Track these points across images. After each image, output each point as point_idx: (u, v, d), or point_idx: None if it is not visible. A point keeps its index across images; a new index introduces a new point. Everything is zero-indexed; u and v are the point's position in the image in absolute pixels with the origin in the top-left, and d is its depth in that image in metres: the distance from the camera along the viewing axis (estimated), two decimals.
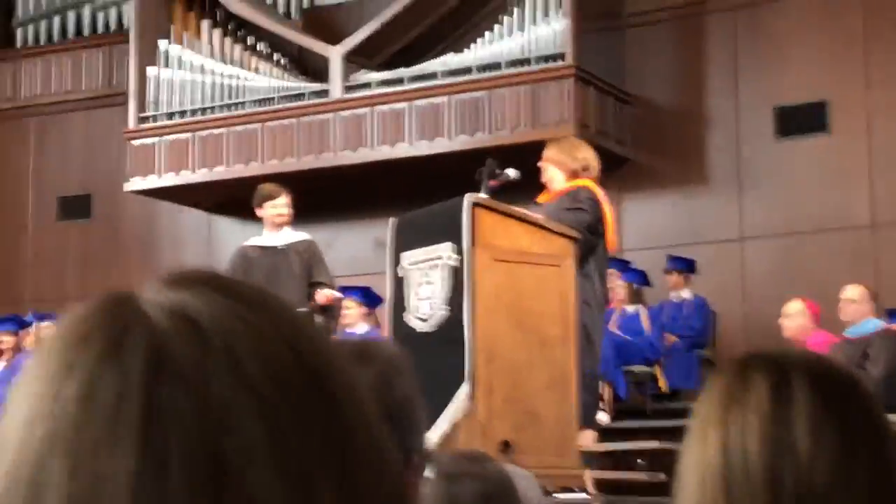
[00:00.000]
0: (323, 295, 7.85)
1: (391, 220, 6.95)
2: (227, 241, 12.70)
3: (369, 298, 10.45)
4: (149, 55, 12.69)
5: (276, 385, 0.68)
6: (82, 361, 0.68)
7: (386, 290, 10.18)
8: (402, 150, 11.51)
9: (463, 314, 6.12)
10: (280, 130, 12.02)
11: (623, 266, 10.20)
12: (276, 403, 0.67)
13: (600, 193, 7.21)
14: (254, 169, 11.92)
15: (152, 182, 12.58)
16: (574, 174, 7.25)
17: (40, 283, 14.04)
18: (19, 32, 15.32)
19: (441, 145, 11.35)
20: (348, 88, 11.83)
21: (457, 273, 6.18)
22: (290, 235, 8.11)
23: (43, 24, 15.12)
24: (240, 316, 0.70)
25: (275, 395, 0.68)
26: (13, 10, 15.39)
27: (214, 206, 12.98)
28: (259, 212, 8.12)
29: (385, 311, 10.25)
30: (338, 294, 8.15)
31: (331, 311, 8.03)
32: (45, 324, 11.73)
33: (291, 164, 11.82)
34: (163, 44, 12.67)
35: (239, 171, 12.12)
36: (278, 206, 8.01)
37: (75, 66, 14.36)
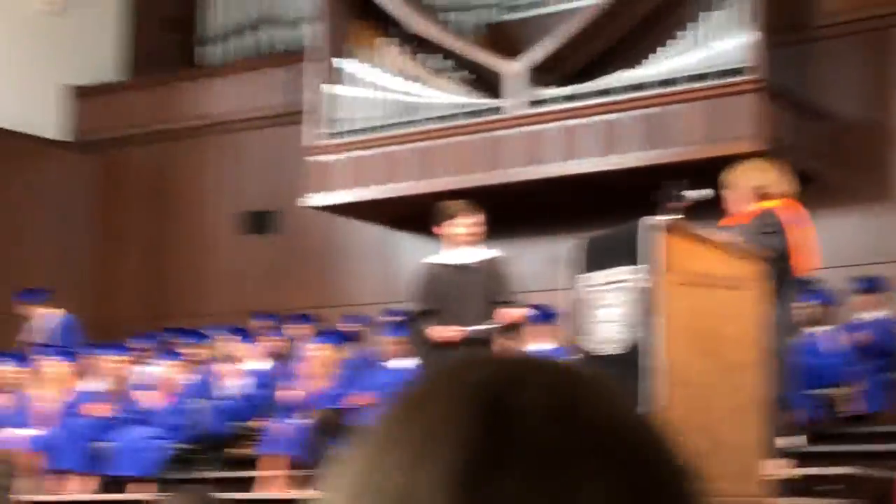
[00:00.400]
0: (506, 314, 7.75)
1: (573, 242, 6.86)
2: (404, 257, 12.82)
3: (543, 315, 10.39)
4: (328, 73, 12.87)
5: (612, 438, 0.74)
6: (425, 394, 0.76)
7: (560, 307, 10.18)
8: (579, 166, 11.43)
9: (648, 338, 6.02)
10: (458, 146, 12.06)
11: (807, 286, 9.93)
12: (610, 455, 0.73)
13: (790, 214, 7.03)
14: (431, 185, 11.98)
15: (331, 198, 12.75)
16: (751, 196, 7.09)
17: (223, 297, 14.36)
18: (202, 52, 15.75)
19: (617, 161, 11.24)
20: (526, 104, 11.81)
21: (641, 296, 6.08)
22: (479, 253, 8.02)
23: (224, 44, 15.52)
24: (572, 379, 0.76)
25: (613, 448, 0.74)
26: (195, 30, 15.83)
27: (392, 221, 13.09)
28: (439, 229, 8.07)
29: (560, 331, 10.23)
30: (521, 312, 8.02)
31: (515, 328, 7.95)
32: (227, 336, 11.99)
33: (468, 180, 11.84)
34: (342, 62, 12.84)
35: (416, 187, 12.19)
36: (459, 224, 7.93)
37: (256, 85, 14.67)
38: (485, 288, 7.83)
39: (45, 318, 13.09)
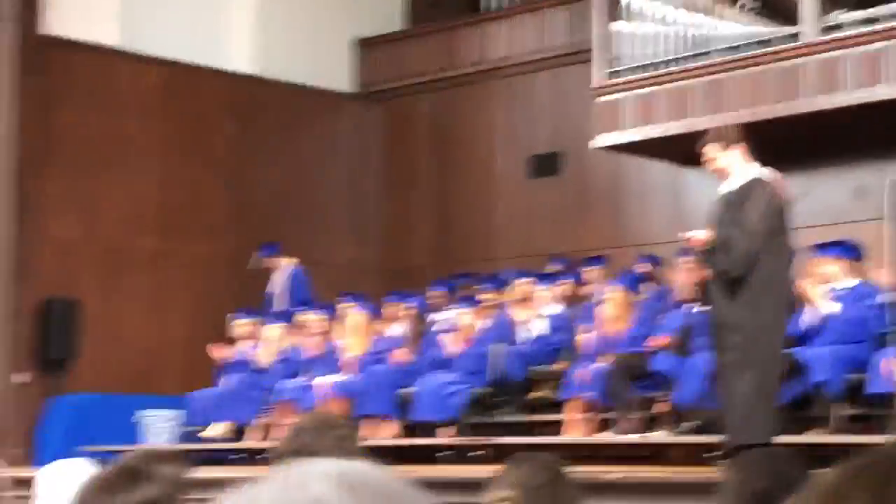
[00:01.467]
0: (687, 236, 7.42)
1: (884, 175, 6.51)
2: (694, 194, 12.53)
3: (849, 251, 9.95)
4: (612, 9, 12.61)
5: None
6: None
7: (866, 240, 9.75)
8: (882, 91, 10.86)
9: None
10: (750, 78, 11.64)
11: None
12: None
13: None
14: (723, 119, 11.60)
15: (619, 137, 12.54)
16: None
17: (513, 241, 14.42)
18: None
19: None
20: (822, 30, 11.30)
21: None
22: (741, 178, 7.62)
23: None
24: None
25: None
26: None
27: (682, 158, 12.79)
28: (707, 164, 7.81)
29: (865, 267, 9.80)
30: (702, 235, 7.51)
31: (717, 251, 7.42)
32: (522, 281, 12.02)
33: (762, 112, 11.43)
34: None
35: (707, 121, 11.83)
36: (706, 161, 7.69)
37: (539, 26, 14.59)
38: (738, 215, 7.44)
39: (282, 269, 13.66)
